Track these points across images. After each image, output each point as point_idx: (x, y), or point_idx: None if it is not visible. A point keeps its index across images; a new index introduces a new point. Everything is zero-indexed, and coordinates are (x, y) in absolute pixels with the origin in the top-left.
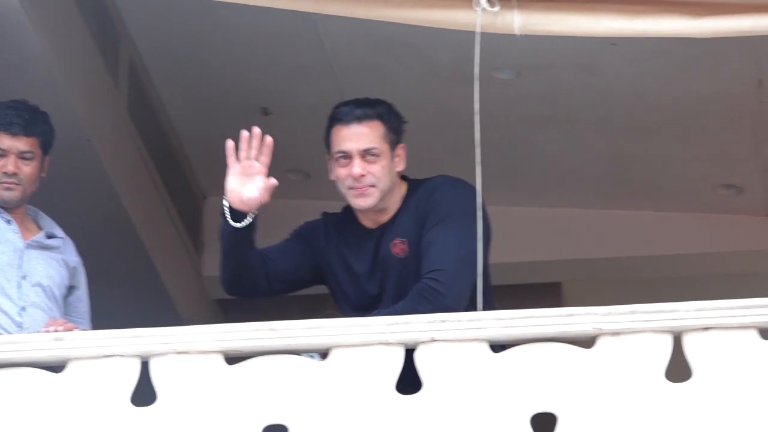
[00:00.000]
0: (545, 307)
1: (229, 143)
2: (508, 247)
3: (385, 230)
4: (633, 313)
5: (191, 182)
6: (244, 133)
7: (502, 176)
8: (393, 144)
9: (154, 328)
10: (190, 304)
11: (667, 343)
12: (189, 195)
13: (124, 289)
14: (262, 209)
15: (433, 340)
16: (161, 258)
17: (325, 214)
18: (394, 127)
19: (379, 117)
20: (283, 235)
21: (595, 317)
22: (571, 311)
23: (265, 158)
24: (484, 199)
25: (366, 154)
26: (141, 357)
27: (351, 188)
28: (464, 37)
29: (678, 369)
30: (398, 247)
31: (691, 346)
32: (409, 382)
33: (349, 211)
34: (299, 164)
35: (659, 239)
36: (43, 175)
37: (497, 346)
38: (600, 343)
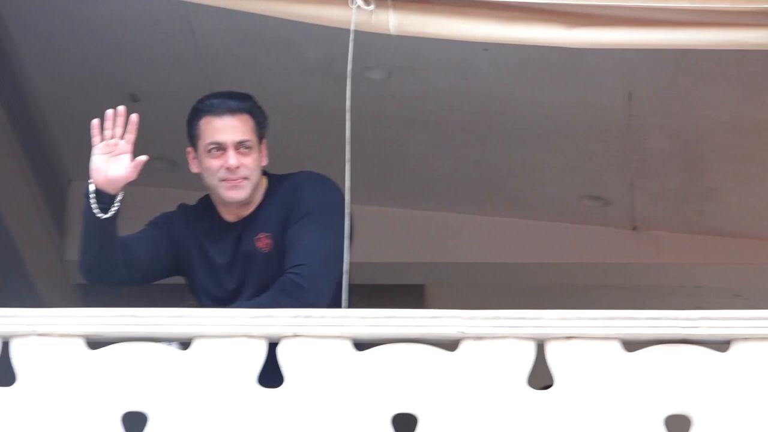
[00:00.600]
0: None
1: (94, 122)
2: (372, 247)
3: (247, 224)
4: (497, 318)
5: (56, 165)
6: (109, 112)
7: (369, 176)
8: (260, 138)
9: (16, 308)
10: (51, 289)
11: (530, 350)
12: (54, 178)
13: None
14: (128, 197)
15: (296, 336)
16: (24, 240)
17: (183, 206)
18: (261, 121)
19: (249, 111)
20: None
21: (459, 320)
22: (435, 313)
23: (131, 136)
24: (352, 198)
25: (240, 146)
26: (2, 337)
27: (224, 180)
28: (337, 34)
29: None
30: (262, 241)
31: (553, 354)
32: (273, 376)
33: (207, 203)
34: (166, 152)
35: (524, 247)
36: None
37: (363, 345)
38: (463, 346)
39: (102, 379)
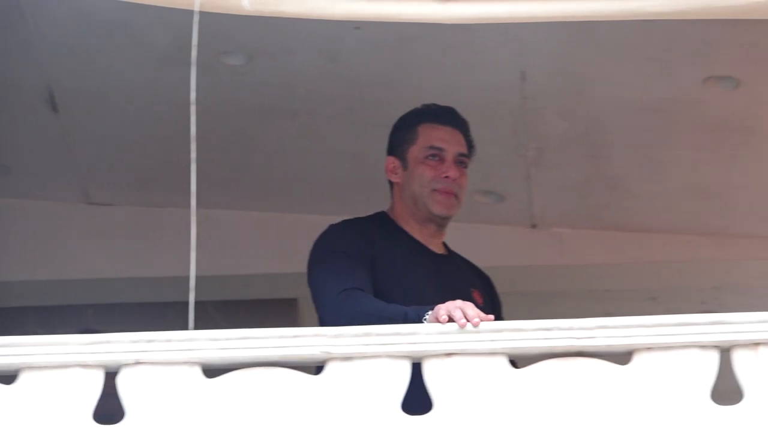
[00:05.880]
0: (281, 326)
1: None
2: (235, 258)
3: (453, 264)
4: (367, 335)
5: None
6: None
7: (231, 176)
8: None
9: None
10: None
11: (405, 369)
12: None
13: None
14: None
15: (138, 363)
16: None
17: (358, 220)
18: (471, 151)
19: (466, 134)
20: None
21: (324, 339)
22: (297, 332)
23: None
24: (210, 202)
25: (457, 160)
26: None
27: (436, 190)
28: (187, 16)
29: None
30: (477, 295)
31: (431, 373)
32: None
33: (387, 222)
34: None
35: None
36: None
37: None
38: (329, 368)
39: None
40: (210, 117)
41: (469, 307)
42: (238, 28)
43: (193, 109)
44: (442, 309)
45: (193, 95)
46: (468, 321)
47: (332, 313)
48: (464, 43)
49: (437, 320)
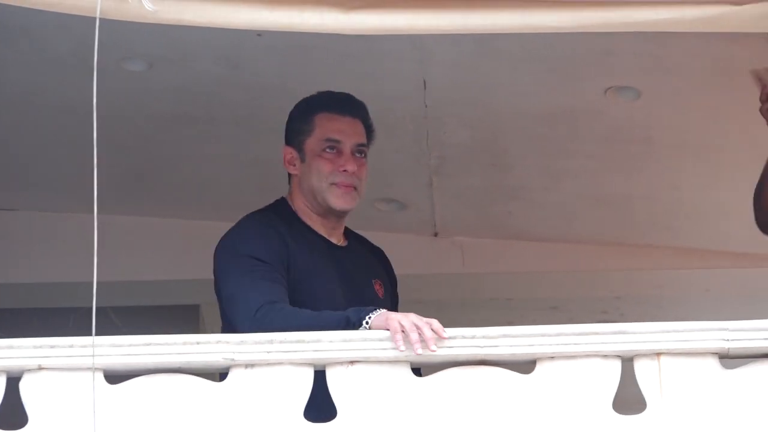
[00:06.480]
0: (184, 332)
1: None
2: (137, 264)
3: (353, 255)
4: (271, 342)
5: None
6: None
7: (133, 182)
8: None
9: None
10: None
11: (308, 377)
12: None
13: None
14: None
15: (41, 368)
16: None
17: (265, 215)
18: (371, 136)
19: (365, 120)
20: None
21: (228, 346)
22: (200, 338)
23: None
24: (110, 208)
25: (357, 150)
26: None
27: (334, 184)
28: (89, 22)
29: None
30: (378, 287)
31: (335, 381)
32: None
33: (287, 213)
34: None
35: None
36: None
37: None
38: (232, 375)
39: None
40: (112, 123)
41: (425, 327)
42: (139, 34)
43: (94, 114)
44: (398, 332)
45: (94, 101)
46: (427, 344)
47: (253, 328)
48: (366, 52)
49: (388, 331)
